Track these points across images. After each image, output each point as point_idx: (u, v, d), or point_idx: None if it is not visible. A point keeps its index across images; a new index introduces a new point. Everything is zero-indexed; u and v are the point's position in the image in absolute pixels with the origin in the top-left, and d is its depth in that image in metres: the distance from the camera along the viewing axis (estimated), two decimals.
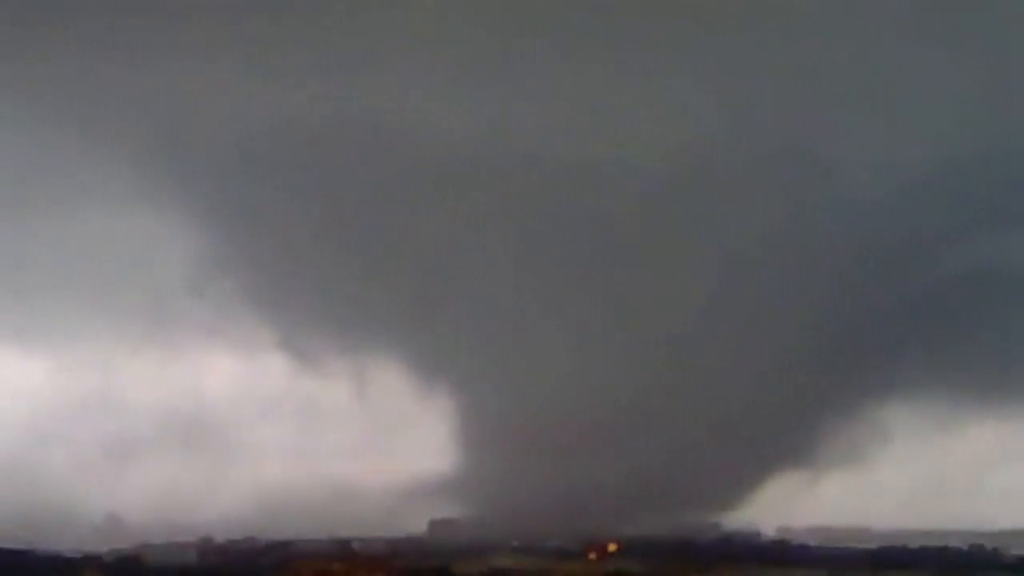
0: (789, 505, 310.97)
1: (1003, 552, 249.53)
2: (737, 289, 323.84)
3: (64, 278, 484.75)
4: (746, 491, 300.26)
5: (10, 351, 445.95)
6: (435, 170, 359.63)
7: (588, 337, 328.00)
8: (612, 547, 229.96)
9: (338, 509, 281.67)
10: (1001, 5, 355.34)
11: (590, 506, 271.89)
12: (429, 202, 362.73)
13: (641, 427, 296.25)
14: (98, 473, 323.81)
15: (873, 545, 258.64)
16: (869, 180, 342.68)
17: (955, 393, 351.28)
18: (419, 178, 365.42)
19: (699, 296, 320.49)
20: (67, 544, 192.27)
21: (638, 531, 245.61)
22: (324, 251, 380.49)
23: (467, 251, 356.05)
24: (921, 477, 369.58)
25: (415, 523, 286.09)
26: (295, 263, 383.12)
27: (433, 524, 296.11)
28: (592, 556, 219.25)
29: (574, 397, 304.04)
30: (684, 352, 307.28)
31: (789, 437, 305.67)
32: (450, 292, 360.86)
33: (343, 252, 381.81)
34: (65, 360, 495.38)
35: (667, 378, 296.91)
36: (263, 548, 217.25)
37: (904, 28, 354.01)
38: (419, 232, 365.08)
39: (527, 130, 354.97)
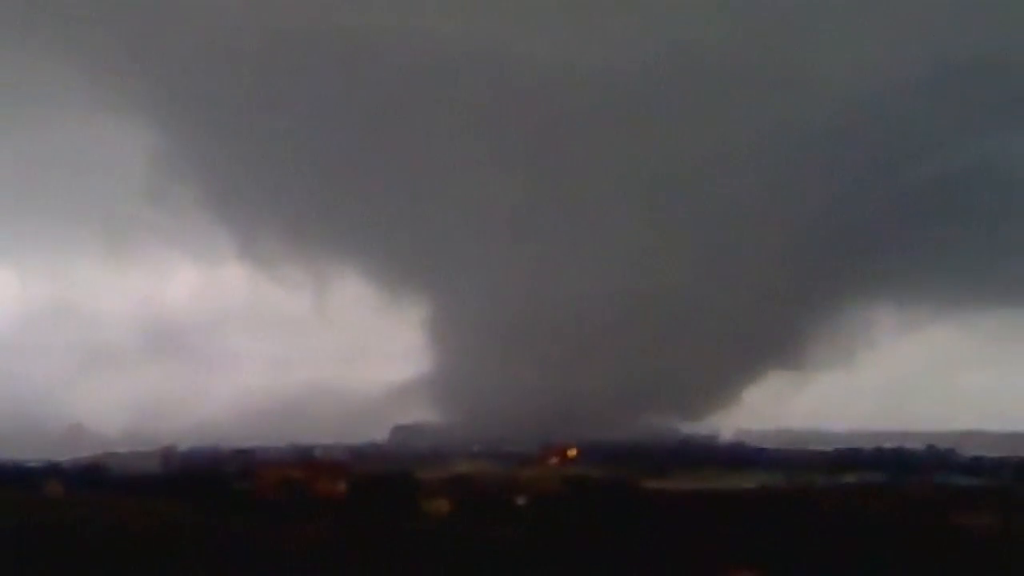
0: (750, 410, 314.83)
1: (959, 453, 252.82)
2: (721, 196, 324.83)
3: (23, 188, 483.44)
4: (709, 398, 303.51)
5: None
6: (404, 75, 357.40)
7: (560, 245, 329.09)
8: (572, 452, 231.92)
9: (300, 417, 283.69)
10: None
11: (555, 412, 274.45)
12: (397, 108, 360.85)
13: (611, 334, 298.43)
14: (61, 383, 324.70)
15: (830, 448, 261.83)
16: (857, 88, 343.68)
17: (917, 299, 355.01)
18: (387, 84, 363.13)
19: (679, 204, 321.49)
20: (30, 454, 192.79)
21: (599, 436, 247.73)
22: (287, 157, 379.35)
23: (437, 158, 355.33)
24: (881, 381, 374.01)
25: (377, 430, 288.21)
26: (257, 169, 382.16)
27: (395, 431, 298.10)
28: (553, 461, 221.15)
29: (544, 305, 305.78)
30: (659, 261, 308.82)
31: (755, 345, 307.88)
32: (420, 199, 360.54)
33: (307, 159, 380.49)
34: (26, 270, 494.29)
35: (640, 286, 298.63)
36: (226, 456, 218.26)
37: None
38: (387, 139, 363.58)
39: (501, 33, 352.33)
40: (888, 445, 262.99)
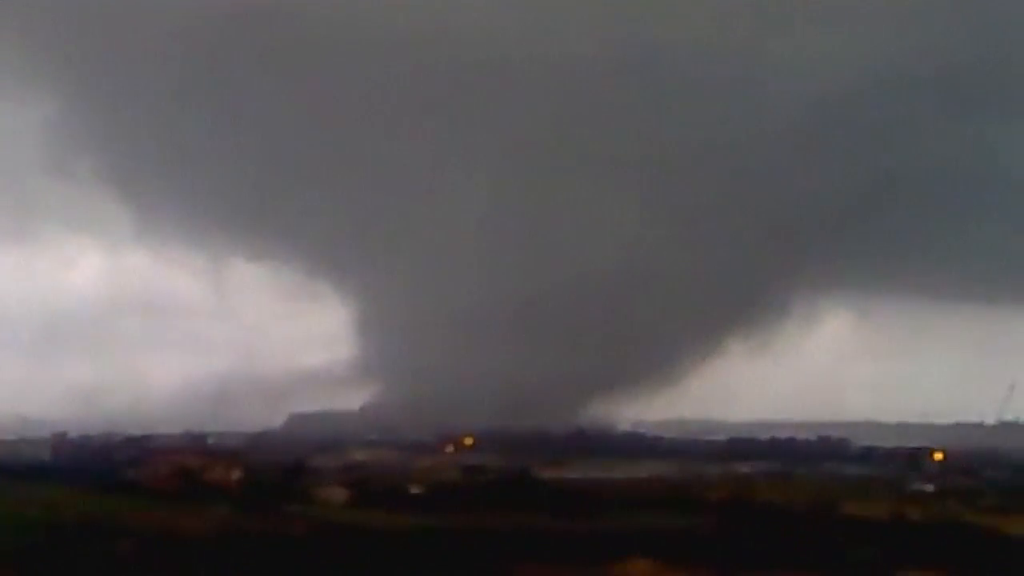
0: (648, 401, 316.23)
1: (850, 442, 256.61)
2: (671, 190, 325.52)
3: None
4: (608, 390, 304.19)
5: None
6: (323, 44, 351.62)
7: (479, 241, 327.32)
8: (468, 441, 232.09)
9: (195, 405, 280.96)
10: None
11: (454, 401, 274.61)
12: (319, 80, 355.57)
13: (519, 326, 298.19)
14: None
15: (724, 437, 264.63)
16: (823, 76, 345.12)
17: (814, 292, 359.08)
18: (309, 54, 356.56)
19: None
20: None
21: (495, 425, 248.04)
22: (200, 132, 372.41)
23: (372, 137, 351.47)
24: (777, 371, 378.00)
25: (272, 418, 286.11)
26: (166, 144, 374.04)
27: (290, 419, 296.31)
28: (449, 449, 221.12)
29: (461, 297, 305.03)
30: (573, 253, 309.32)
31: (655, 337, 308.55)
32: (338, 180, 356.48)
33: (221, 134, 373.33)
34: None
35: (558, 278, 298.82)
36: (118, 443, 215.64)
37: None
38: (306, 115, 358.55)
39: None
40: (782, 435, 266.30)
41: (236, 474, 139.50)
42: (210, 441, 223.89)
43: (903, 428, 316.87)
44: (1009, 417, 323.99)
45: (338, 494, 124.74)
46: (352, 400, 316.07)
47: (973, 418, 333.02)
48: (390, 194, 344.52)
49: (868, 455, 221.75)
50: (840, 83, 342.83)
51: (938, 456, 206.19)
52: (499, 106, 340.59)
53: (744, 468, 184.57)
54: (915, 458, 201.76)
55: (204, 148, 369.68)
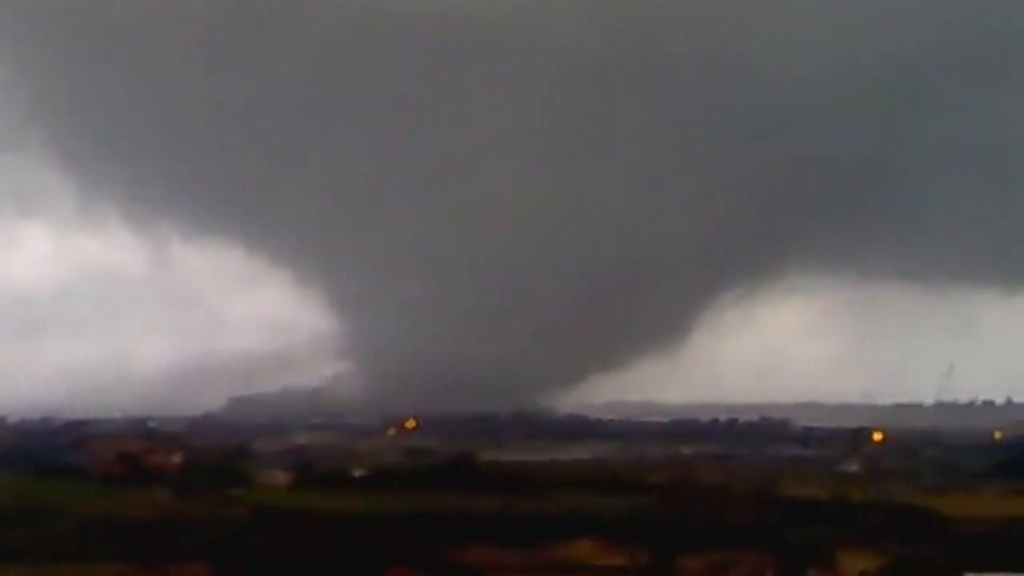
0: (591, 384, 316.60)
1: (792, 424, 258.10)
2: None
3: None
4: (562, 376, 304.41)
5: None
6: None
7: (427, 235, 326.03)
8: (411, 424, 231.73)
9: (135, 388, 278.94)
10: None
11: (398, 385, 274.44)
12: (273, 55, 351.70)
13: (480, 312, 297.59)
14: None
15: (667, 419, 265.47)
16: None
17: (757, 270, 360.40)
18: (267, 28, 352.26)
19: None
20: None
21: (438, 409, 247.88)
22: (150, 108, 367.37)
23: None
24: (718, 353, 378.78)
25: (213, 402, 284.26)
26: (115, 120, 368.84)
27: (232, 402, 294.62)
28: (391, 432, 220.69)
29: (410, 277, 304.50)
30: (536, 239, 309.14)
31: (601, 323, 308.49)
32: (293, 160, 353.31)
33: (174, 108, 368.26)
34: None
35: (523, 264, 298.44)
36: (59, 428, 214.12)
37: None
38: (258, 91, 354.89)
39: None
40: (723, 417, 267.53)
41: (177, 458, 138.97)
42: (151, 425, 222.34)
43: (844, 409, 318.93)
44: (948, 398, 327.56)
45: (281, 478, 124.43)
46: (295, 382, 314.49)
47: (913, 399, 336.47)
48: (352, 175, 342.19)
49: (809, 436, 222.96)
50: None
51: (878, 437, 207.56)
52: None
53: (686, 450, 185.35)
54: (855, 439, 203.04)
55: (158, 123, 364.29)
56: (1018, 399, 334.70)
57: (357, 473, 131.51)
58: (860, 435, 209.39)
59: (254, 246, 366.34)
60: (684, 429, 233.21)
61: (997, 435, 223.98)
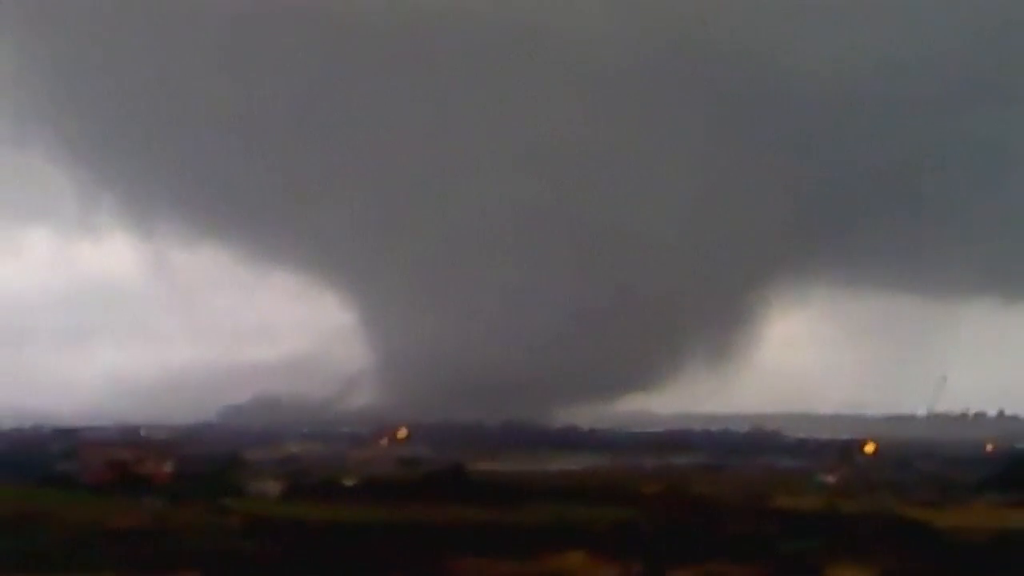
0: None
1: (783, 435, 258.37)
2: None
3: None
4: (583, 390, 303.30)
5: None
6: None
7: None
8: (403, 434, 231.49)
9: (126, 396, 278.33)
10: None
11: (417, 392, 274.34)
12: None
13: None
14: None
15: (658, 429, 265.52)
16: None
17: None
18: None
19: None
20: None
21: (430, 418, 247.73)
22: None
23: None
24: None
25: (205, 410, 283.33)
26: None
27: (224, 411, 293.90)
28: (383, 442, 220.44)
29: (429, 283, 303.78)
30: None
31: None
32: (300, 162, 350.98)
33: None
34: None
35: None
36: (50, 436, 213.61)
37: None
38: (264, 89, 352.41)
39: None
40: (715, 427, 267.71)
41: (169, 467, 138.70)
42: (143, 433, 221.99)
43: (836, 420, 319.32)
44: (940, 409, 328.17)
45: (272, 487, 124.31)
46: (289, 391, 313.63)
47: (905, 410, 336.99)
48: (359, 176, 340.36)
49: (801, 447, 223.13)
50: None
51: (869, 448, 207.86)
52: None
53: (678, 460, 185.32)
54: (847, 450, 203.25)
55: (154, 123, 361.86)
56: (1010, 411, 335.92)
57: (349, 483, 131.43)
58: (852, 446, 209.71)
59: (255, 250, 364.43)
60: (676, 440, 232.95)
61: (989, 447, 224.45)
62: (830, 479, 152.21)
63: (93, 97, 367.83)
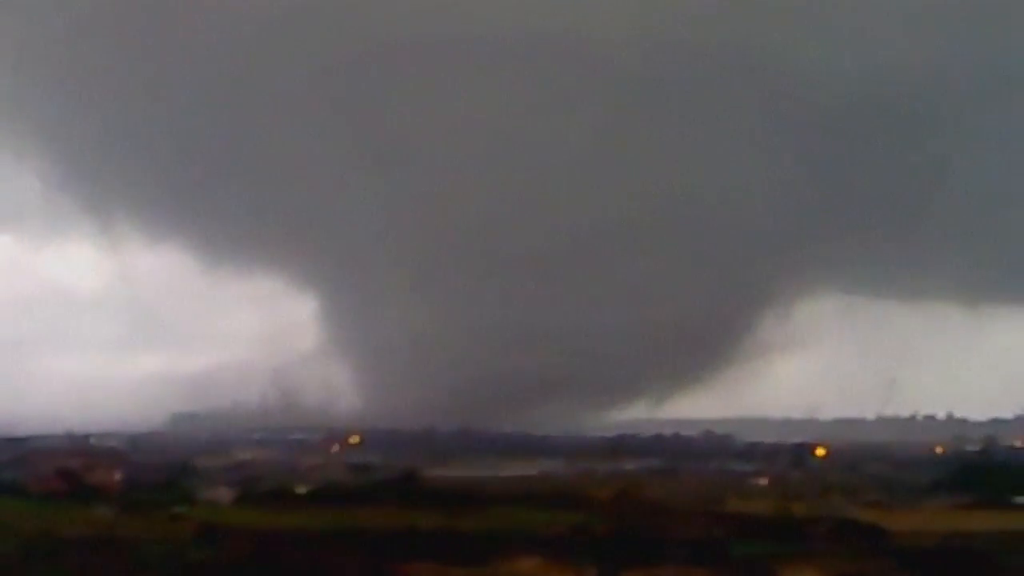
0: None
1: (734, 439, 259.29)
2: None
3: None
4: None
5: None
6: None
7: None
8: (355, 440, 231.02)
9: (75, 404, 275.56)
10: None
11: (337, 400, 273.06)
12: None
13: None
14: None
15: (610, 434, 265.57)
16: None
17: None
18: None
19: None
20: None
21: (380, 424, 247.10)
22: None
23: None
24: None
25: (155, 418, 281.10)
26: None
27: (174, 419, 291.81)
28: (334, 448, 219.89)
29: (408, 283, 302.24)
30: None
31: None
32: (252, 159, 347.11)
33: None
34: None
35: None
36: None
37: None
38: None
39: None
40: (666, 431, 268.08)
41: (119, 475, 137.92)
42: (92, 441, 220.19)
43: (786, 424, 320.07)
44: (890, 412, 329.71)
45: (224, 494, 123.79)
46: (239, 398, 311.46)
47: (855, 413, 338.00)
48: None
49: (752, 451, 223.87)
50: None
51: (821, 451, 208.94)
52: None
53: (630, 465, 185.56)
54: (798, 454, 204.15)
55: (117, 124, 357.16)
56: (960, 414, 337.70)
57: (301, 489, 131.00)
58: (803, 450, 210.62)
59: (219, 254, 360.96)
60: (628, 444, 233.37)
61: (939, 450, 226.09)
62: (795, 483, 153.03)
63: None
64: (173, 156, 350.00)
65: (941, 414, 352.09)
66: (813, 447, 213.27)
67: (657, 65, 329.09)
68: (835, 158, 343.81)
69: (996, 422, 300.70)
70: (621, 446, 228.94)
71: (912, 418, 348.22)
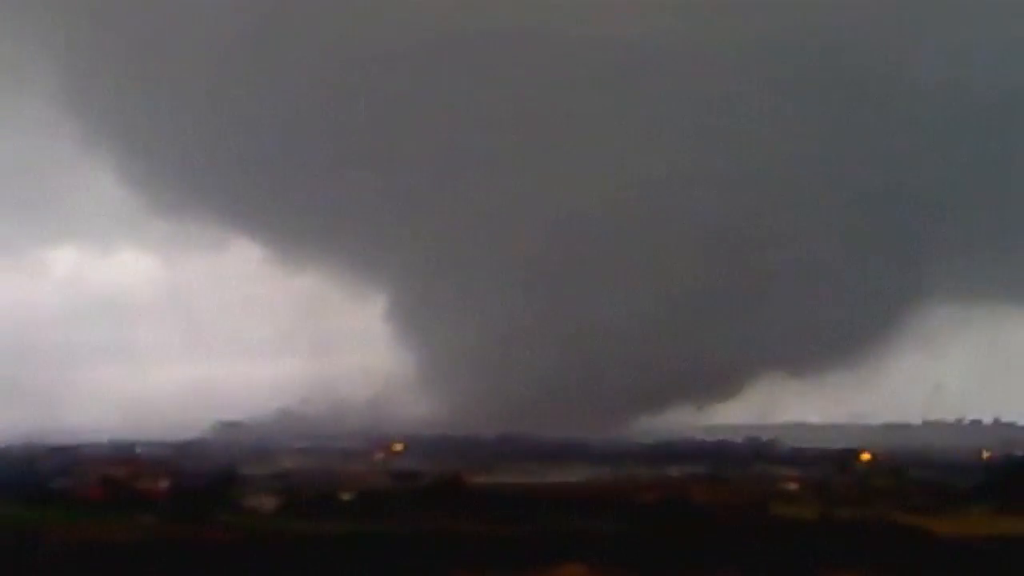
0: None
1: (778, 444, 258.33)
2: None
3: None
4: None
5: None
6: None
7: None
8: (398, 447, 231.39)
9: (121, 413, 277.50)
10: None
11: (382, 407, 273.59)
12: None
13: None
14: None
15: (653, 440, 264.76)
16: None
17: None
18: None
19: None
20: None
21: (424, 431, 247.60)
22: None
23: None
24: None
25: (200, 426, 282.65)
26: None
27: (218, 427, 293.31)
28: (379, 456, 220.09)
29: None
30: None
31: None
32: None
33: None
34: None
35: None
36: (44, 453, 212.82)
37: None
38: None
39: None
40: (709, 438, 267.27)
41: (164, 483, 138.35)
42: (137, 450, 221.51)
43: (832, 429, 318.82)
44: (935, 417, 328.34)
45: (268, 502, 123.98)
46: (282, 406, 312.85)
47: (901, 419, 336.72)
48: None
49: (797, 457, 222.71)
50: None
51: (866, 456, 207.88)
52: None
53: (674, 471, 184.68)
54: (843, 459, 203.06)
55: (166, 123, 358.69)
56: (1005, 418, 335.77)
57: (345, 497, 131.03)
58: (848, 455, 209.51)
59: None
60: (672, 451, 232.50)
61: (985, 454, 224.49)
62: (841, 488, 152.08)
63: None
64: (248, 157, 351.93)
65: (987, 418, 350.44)
66: (858, 452, 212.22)
67: None
68: None
69: None
70: (665, 452, 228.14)
71: (958, 423, 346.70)
